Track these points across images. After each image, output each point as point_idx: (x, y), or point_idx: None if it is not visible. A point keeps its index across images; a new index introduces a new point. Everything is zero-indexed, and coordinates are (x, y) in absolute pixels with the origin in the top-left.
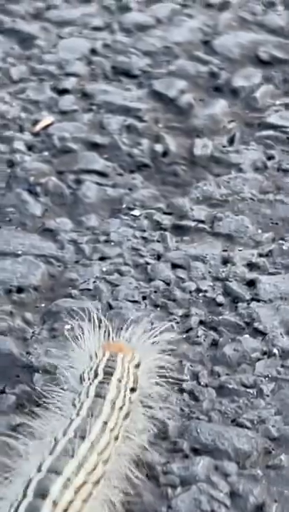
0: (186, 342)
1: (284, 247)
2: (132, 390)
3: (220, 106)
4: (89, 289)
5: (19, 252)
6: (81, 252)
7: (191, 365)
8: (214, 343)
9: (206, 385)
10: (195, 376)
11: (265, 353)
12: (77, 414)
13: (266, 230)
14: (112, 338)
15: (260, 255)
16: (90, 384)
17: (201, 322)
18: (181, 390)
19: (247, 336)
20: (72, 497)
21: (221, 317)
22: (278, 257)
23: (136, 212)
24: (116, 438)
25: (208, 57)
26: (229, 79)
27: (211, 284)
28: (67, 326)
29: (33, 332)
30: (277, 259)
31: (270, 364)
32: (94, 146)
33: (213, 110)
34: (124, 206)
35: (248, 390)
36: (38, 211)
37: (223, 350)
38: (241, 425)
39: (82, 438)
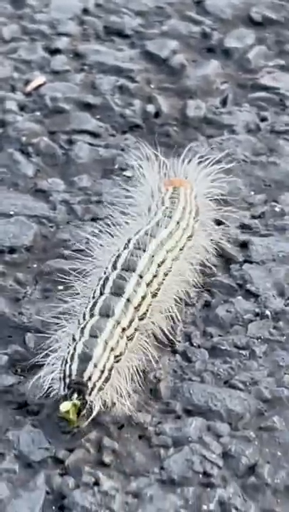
0: (179, 304)
1: (276, 209)
2: (194, 218)
3: (212, 67)
4: (81, 250)
5: (11, 213)
6: (73, 212)
7: (183, 327)
8: (207, 305)
9: (199, 346)
10: (187, 337)
11: (257, 315)
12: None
13: (259, 191)
14: (171, 175)
15: (253, 217)
16: (158, 209)
17: (193, 284)
18: (174, 352)
19: (240, 297)
20: (145, 292)
21: (213, 279)
22: (271, 219)
23: (128, 173)
24: (181, 249)
25: (200, 18)
26: (221, 40)
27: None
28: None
29: (25, 292)
30: (270, 221)
31: (262, 326)
32: (86, 107)
33: (206, 71)
34: (116, 167)
35: (240, 351)
36: (30, 171)
37: (215, 311)
38: (234, 386)
39: (153, 237)
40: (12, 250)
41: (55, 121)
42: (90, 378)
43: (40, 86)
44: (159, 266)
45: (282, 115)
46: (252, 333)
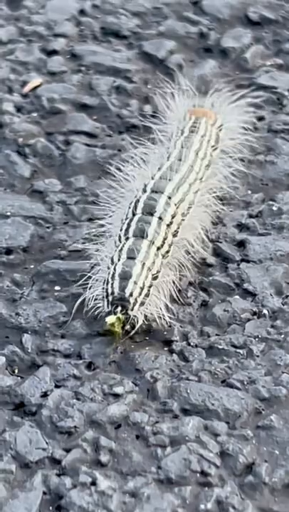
0: (176, 303)
1: (274, 208)
2: (213, 147)
3: (209, 67)
4: (78, 250)
5: (8, 214)
6: (70, 213)
7: (180, 326)
8: (204, 304)
9: (196, 346)
10: (185, 337)
11: (254, 314)
12: (168, 160)
13: (256, 190)
14: (197, 105)
15: (250, 216)
16: (178, 139)
17: (191, 283)
18: (171, 351)
19: (237, 296)
20: (175, 211)
21: (211, 278)
22: (268, 218)
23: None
24: (200, 179)
25: (197, 18)
26: (219, 40)
27: (201, 244)
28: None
29: (22, 293)
30: (267, 220)
31: (259, 324)
32: (83, 107)
33: (203, 71)
34: (113, 167)
35: (237, 350)
36: (26, 172)
37: (212, 310)
38: (231, 386)
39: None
40: (9, 251)
41: (51, 122)
42: (131, 294)
43: (37, 87)
44: (190, 186)
45: (280, 114)
46: (249, 332)
